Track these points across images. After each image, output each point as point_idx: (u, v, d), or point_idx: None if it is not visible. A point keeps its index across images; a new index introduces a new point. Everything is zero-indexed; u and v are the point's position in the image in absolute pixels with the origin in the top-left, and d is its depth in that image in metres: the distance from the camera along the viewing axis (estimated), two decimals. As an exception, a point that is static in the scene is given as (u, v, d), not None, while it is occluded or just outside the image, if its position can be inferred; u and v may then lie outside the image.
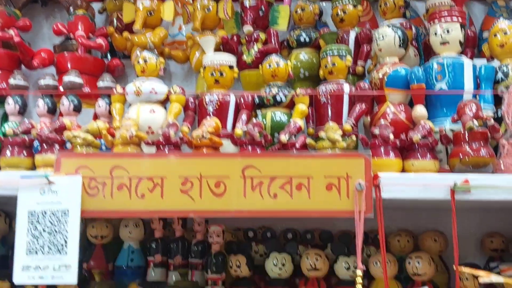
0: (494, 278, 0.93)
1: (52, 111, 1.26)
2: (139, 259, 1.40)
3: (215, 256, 1.31)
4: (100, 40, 1.45)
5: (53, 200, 1.02)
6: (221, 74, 1.23)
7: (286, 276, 1.30)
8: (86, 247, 1.40)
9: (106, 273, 1.38)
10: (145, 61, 1.23)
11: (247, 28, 1.39)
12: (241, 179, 1.03)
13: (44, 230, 1.01)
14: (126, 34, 1.42)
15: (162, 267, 1.39)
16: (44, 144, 1.15)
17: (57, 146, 1.14)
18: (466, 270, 0.96)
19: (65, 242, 1.00)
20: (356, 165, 1.02)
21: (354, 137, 1.11)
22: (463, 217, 1.45)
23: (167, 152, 1.11)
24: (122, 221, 1.41)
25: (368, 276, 1.29)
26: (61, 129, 1.14)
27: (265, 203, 1.02)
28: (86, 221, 1.43)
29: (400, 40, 1.20)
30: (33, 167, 1.16)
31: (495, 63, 1.20)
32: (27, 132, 1.16)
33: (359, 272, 0.97)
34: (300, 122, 1.15)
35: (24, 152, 1.16)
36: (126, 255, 1.39)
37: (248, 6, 1.40)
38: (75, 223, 1.01)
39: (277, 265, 1.28)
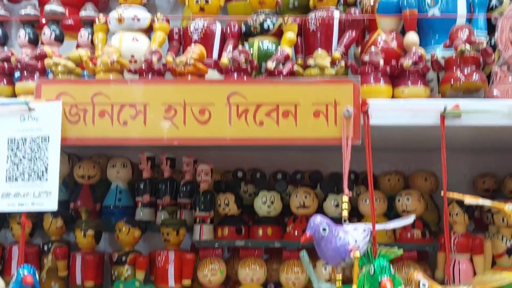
0: (481, 201, 0.92)
1: (34, 41, 1.23)
2: (127, 199, 1.38)
3: (203, 194, 1.29)
4: (83, -31, 1.41)
5: (33, 127, 1.00)
6: (206, 1, 1.18)
7: (274, 214, 1.28)
8: (73, 188, 1.39)
9: (93, 212, 1.37)
10: (128, -13, 1.19)
11: (236, -43, 1.34)
12: (226, 107, 1.00)
13: (24, 157, 0.99)
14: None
15: (150, 207, 1.37)
16: (24, 72, 1.12)
17: (37, 74, 1.11)
18: (454, 195, 0.95)
19: (46, 169, 0.98)
20: (344, 91, 0.99)
21: (343, 63, 1.07)
22: (455, 159, 1.44)
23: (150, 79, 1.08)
24: (109, 161, 1.38)
25: (357, 215, 1.28)
26: (41, 56, 1.11)
27: (251, 131, 1.00)
28: (73, 161, 1.41)
29: (393, -35, 1.16)
30: (14, 95, 1.13)
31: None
32: (6, 60, 1.13)
33: (345, 198, 0.95)
34: (288, 50, 1.11)
35: (4, 80, 1.13)
36: (113, 195, 1.38)
37: None
38: (55, 149, 0.99)
39: (266, 203, 1.27)
